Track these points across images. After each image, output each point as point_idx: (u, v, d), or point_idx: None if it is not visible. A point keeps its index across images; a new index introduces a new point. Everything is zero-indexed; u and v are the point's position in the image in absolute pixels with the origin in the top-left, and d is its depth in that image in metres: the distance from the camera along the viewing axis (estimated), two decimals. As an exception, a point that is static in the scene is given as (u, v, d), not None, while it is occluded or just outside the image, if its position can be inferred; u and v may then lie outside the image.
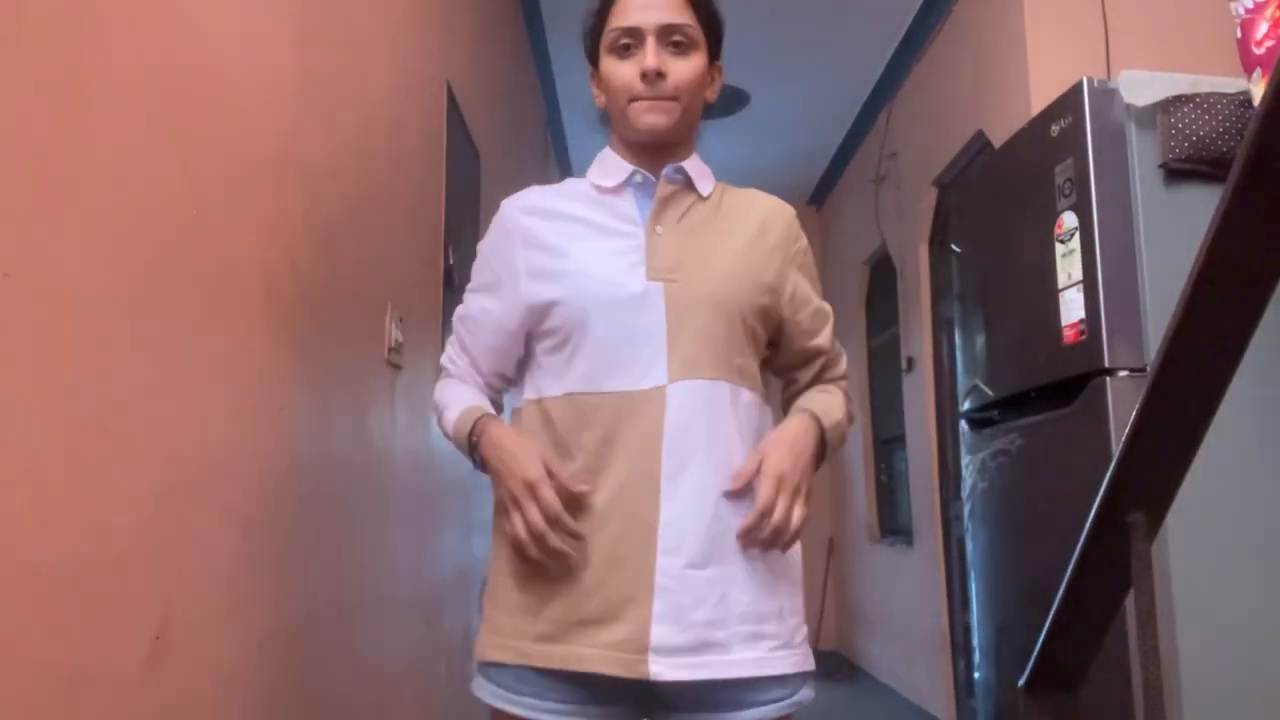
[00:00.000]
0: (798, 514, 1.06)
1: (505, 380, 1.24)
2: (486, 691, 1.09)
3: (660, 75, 1.13)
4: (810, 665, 1.11)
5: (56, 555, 0.82)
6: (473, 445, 1.12)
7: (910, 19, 3.90)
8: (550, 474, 1.05)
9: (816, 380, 1.26)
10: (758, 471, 1.07)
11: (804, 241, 1.26)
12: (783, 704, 1.07)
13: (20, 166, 0.78)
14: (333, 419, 1.55)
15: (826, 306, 1.27)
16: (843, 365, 1.28)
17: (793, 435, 1.11)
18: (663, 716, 1.10)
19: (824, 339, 1.24)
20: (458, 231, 2.57)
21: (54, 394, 0.82)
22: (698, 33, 1.17)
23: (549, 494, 1.03)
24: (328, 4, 1.56)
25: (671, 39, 1.15)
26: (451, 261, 2.47)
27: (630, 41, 1.15)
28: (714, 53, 1.22)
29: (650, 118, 1.14)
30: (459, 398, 1.19)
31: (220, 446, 1.14)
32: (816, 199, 6.18)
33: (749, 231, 1.19)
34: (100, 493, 0.88)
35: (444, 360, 1.26)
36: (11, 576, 0.76)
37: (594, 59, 1.22)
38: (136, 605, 0.94)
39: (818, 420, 1.14)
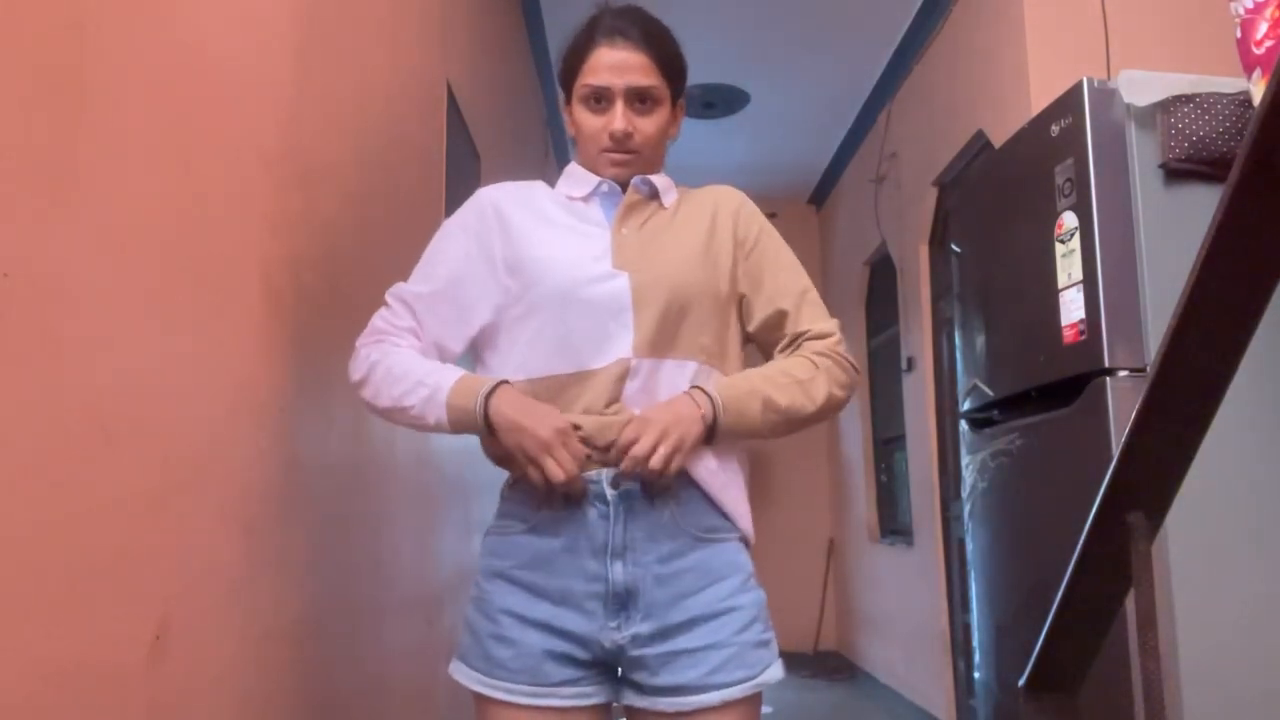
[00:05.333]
0: (661, 452, 1.10)
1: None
2: (464, 675, 1.15)
3: (628, 136, 1.24)
4: (773, 644, 1.17)
5: (56, 555, 0.82)
6: (486, 408, 1.13)
7: (910, 19, 3.89)
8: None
9: (790, 350, 1.26)
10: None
11: (757, 221, 1.31)
12: (746, 685, 1.12)
13: (20, 166, 0.78)
14: (333, 419, 1.55)
15: (795, 279, 1.28)
16: (824, 331, 1.25)
17: (667, 403, 1.16)
18: (631, 702, 1.15)
19: (788, 302, 1.26)
20: (458, 231, 2.57)
21: (54, 394, 0.82)
22: (663, 90, 1.26)
23: (576, 444, 1.12)
24: (328, 4, 1.56)
25: (639, 98, 1.24)
26: (451, 261, 2.47)
27: (601, 97, 1.24)
28: (677, 96, 1.31)
29: (616, 170, 1.27)
30: (435, 365, 1.20)
31: (220, 446, 1.14)
32: (816, 199, 6.18)
33: (703, 225, 1.27)
34: (100, 493, 0.88)
35: (380, 323, 1.25)
36: (11, 576, 0.76)
37: (567, 91, 1.30)
38: (136, 605, 0.94)
39: (705, 392, 1.16)
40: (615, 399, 1.16)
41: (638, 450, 1.10)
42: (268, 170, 1.29)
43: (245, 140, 1.22)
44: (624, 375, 1.16)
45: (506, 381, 1.16)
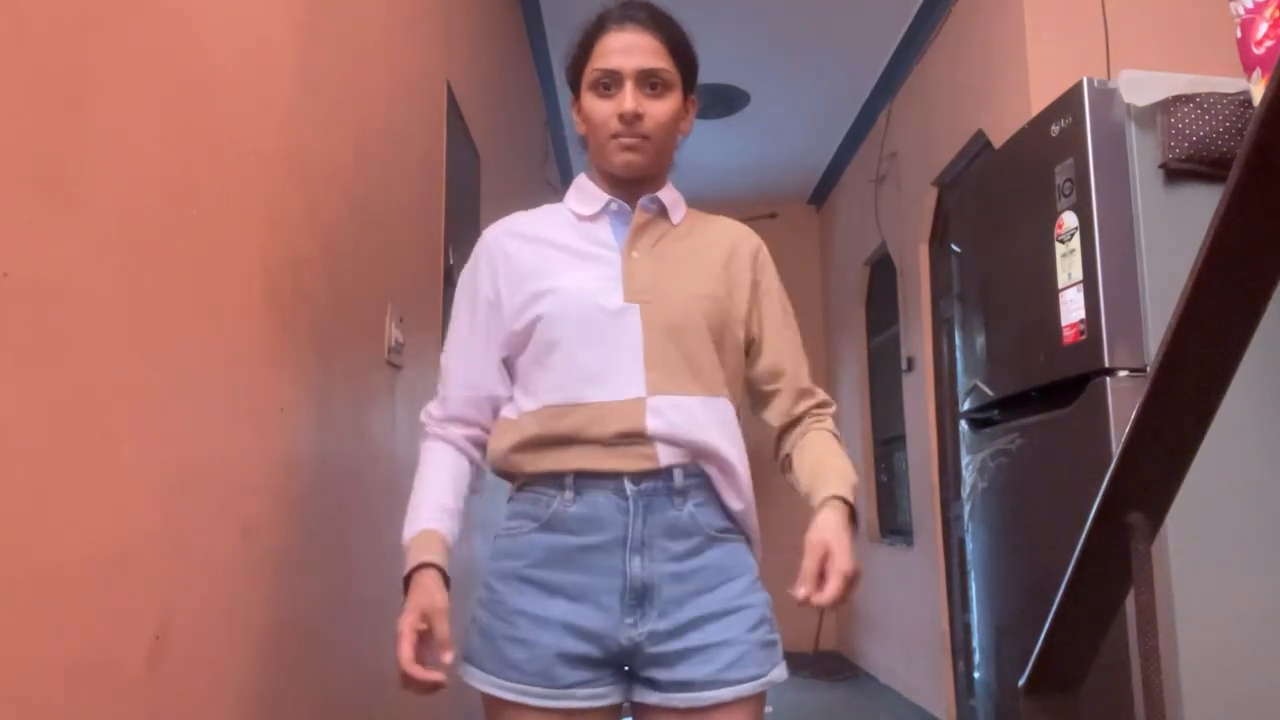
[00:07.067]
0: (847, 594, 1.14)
1: (484, 429, 1.27)
2: (476, 678, 1.14)
3: (638, 117, 1.21)
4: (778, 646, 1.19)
5: (56, 555, 0.82)
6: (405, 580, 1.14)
7: (910, 19, 3.89)
8: (428, 624, 1.08)
9: (800, 414, 1.30)
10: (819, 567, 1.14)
11: (771, 270, 1.34)
12: (757, 682, 1.14)
13: (20, 166, 0.78)
14: (333, 419, 1.55)
15: (797, 338, 1.33)
16: (827, 401, 1.33)
17: (840, 527, 1.16)
18: (645, 699, 1.15)
19: (788, 360, 1.30)
20: (458, 231, 2.57)
21: (54, 394, 0.82)
22: (674, 75, 1.25)
23: (406, 649, 1.06)
24: (328, 4, 1.56)
25: (649, 82, 1.22)
26: (451, 261, 2.47)
27: (610, 82, 1.22)
28: (688, 89, 1.29)
29: (627, 156, 1.22)
30: (425, 503, 1.20)
31: (220, 446, 1.14)
32: (816, 199, 6.18)
33: (718, 257, 1.27)
34: (100, 493, 0.88)
35: (423, 416, 1.29)
36: (11, 576, 0.76)
37: (575, 88, 1.28)
38: (136, 605, 0.94)
39: (849, 505, 1.19)
40: (636, 434, 1.15)
41: (819, 597, 1.12)
42: (268, 170, 1.29)
43: (245, 140, 1.22)
44: (641, 411, 1.15)
45: (428, 563, 1.13)
